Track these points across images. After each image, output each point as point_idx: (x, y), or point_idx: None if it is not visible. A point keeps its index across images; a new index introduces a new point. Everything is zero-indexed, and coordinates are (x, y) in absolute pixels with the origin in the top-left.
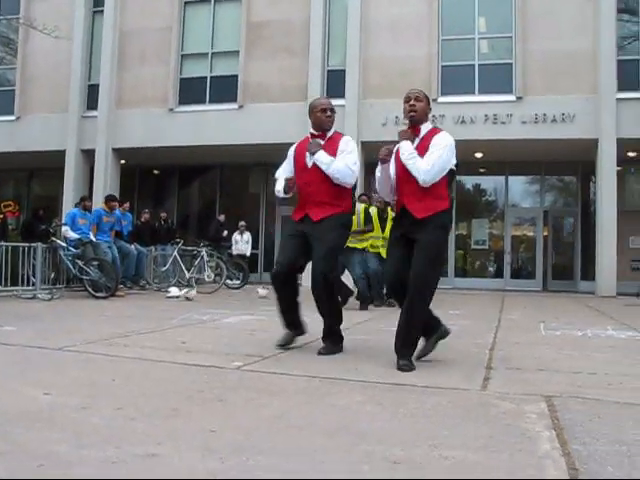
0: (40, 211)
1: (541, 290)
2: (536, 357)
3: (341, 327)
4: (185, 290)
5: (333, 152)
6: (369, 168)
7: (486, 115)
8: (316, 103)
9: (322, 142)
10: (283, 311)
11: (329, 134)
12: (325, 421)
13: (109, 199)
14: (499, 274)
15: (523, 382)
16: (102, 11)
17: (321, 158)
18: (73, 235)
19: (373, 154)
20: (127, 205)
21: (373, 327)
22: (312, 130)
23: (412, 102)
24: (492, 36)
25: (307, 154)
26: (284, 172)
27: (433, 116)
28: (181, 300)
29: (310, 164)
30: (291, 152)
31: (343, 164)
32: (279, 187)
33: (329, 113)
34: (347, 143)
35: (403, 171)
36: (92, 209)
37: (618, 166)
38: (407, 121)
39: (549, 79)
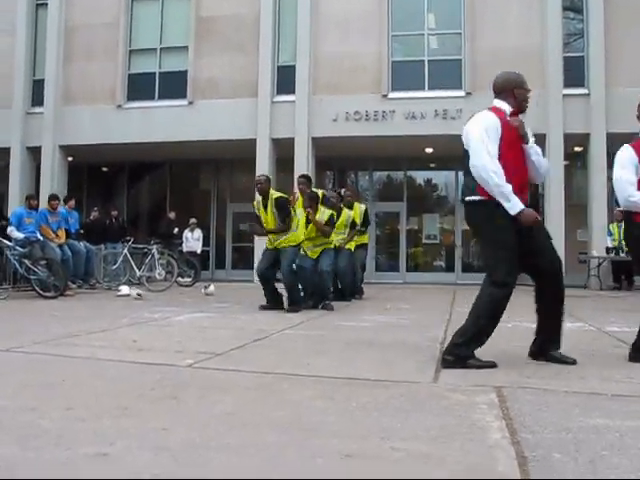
0: None
1: None
2: (487, 349)
3: (298, 322)
4: (133, 288)
5: None
6: (319, 163)
7: (436, 110)
8: (523, 79)
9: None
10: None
11: None
12: (278, 417)
13: (49, 198)
14: (450, 268)
15: (474, 374)
16: (46, 4)
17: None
18: (19, 235)
19: (323, 150)
20: (72, 203)
21: (329, 322)
22: (505, 107)
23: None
24: (441, 32)
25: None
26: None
27: (383, 112)
28: (131, 299)
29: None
30: (498, 126)
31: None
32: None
33: (530, 95)
34: None
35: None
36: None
37: (565, 160)
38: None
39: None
